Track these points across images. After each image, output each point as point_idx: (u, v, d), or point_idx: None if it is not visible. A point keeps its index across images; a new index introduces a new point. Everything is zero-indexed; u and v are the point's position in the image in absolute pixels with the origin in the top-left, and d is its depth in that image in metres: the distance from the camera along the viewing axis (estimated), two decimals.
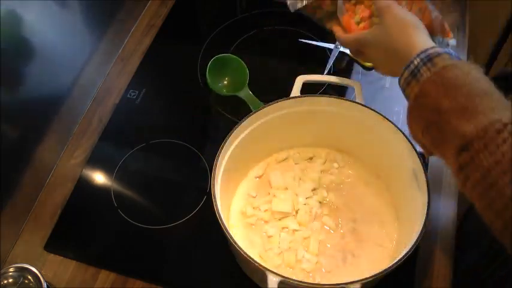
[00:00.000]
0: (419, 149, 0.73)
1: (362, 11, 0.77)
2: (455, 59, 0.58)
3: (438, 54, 0.58)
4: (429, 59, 0.58)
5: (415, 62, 0.59)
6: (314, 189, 0.83)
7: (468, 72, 0.54)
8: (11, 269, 0.70)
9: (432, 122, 0.56)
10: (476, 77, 0.54)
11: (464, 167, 0.51)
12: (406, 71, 0.60)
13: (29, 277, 0.70)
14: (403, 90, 0.62)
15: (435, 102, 0.55)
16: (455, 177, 0.54)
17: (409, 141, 0.74)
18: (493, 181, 0.48)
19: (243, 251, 0.65)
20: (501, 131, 0.48)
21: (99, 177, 0.92)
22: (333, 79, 0.87)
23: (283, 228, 0.80)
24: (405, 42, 0.62)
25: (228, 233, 0.66)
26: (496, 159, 0.48)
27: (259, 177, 0.86)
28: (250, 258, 0.64)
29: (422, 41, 0.61)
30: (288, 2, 0.85)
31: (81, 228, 0.86)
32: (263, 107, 0.78)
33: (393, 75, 0.67)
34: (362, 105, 0.78)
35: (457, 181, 0.54)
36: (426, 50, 0.59)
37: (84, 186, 0.90)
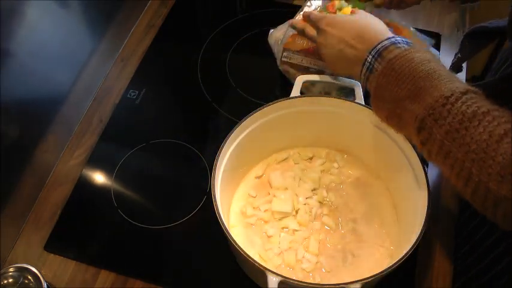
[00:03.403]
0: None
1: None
2: (403, 47, 0.63)
3: (385, 48, 0.64)
4: (379, 54, 0.65)
5: (368, 59, 0.66)
6: (314, 189, 0.83)
7: (411, 59, 0.59)
8: (11, 269, 0.70)
9: (391, 111, 0.62)
10: (419, 60, 0.59)
11: (425, 143, 0.57)
12: (363, 68, 0.67)
13: (29, 277, 0.70)
14: (366, 86, 0.68)
15: (389, 93, 0.61)
16: (422, 152, 0.60)
17: (409, 141, 0.74)
18: (447, 150, 0.54)
19: (243, 251, 0.65)
20: (445, 104, 0.54)
21: (99, 177, 0.92)
22: (333, 79, 0.87)
23: (283, 228, 0.80)
24: (357, 42, 0.70)
25: (228, 233, 0.66)
26: (445, 130, 0.53)
27: (259, 177, 0.86)
28: (250, 258, 0.64)
29: (373, 36, 0.68)
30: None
31: (81, 228, 0.86)
32: (263, 107, 0.78)
33: (347, 73, 0.76)
34: (362, 105, 0.78)
35: (425, 156, 0.60)
36: (375, 46, 0.66)
37: (84, 186, 0.90)
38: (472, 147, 0.51)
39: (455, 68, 0.91)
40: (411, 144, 0.73)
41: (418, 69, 0.58)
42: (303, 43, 0.93)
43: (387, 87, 0.61)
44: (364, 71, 0.67)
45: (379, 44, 0.65)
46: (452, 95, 0.54)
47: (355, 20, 0.73)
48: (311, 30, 0.82)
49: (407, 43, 0.65)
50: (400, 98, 0.59)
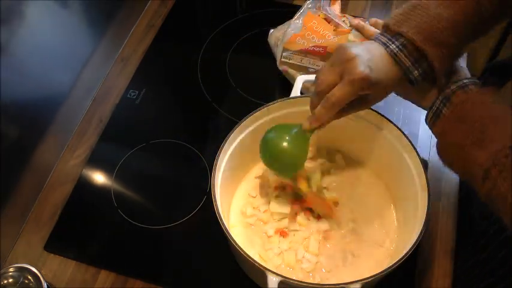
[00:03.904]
0: (419, 149, 0.73)
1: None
2: (470, 91, 0.61)
3: (453, 93, 0.62)
4: (447, 99, 0.62)
5: (437, 104, 0.64)
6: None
7: (481, 103, 0.58)
8: (11, 269, 0.70)
9: (457, 156, 0.60)
10: (489, 105, 0.58)
11: (489, 194, 0.55)
12: (429, 112, 0.65)
13: (29, 277, 0.70)
14: (431, 129, 0.66)
15: (455, 138, 0.59)
16: (486, 202, 0.57)
17: (409, 141, 0.74)
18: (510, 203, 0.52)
19: (243, 251, 0.65)
20: (507, 155, 0.52)
21: (99, 177, 0.92)
22: None
23: (283, 228, 0.80)
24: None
25: (228, 233, 0.66)
26: (510, 183, 0.52)
27: (259, 177, 0.86)
28: (250, 258, 0.64)
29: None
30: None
31: (81, 228, 0.86)
32: (263, 107, 0.78)
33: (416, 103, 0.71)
34: None
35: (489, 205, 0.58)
36: (445, 90, 0.63)
37: (84, 186, 0.90)
38: None
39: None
40: (411, 144, 0.74)
41: (486, 115, 0.57)
42: (303, 43, 0.93)
43: (452, 132, 0.60)
44: (430, 116, 0.65)
45: (448, 88, 0.63)
46: None
47: None
48: (369, 30, 0.81)
49: (475, 83, 0.63)
50: (465, 144, 0.58)
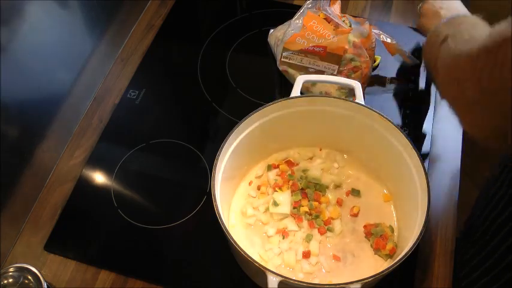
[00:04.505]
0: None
1: None
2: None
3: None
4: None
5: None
6: (314, 189, 0.83)
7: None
8: (11, 269, 0.70)
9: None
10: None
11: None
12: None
13: (29, 277, 0.70)
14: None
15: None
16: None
17: (409, 141, 0.74)
18: None
19: (243, 251, 0.65)
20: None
21: (99, 177, 0.92)
22: (333, 79, 0.87)
23: (283, 228, 0.80)
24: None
25: (228, 233, 0.66)
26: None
27: (259, 177, 0.86)
28: (250, 258, 0.64)
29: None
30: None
31: (81, 228, 0.86)
32: (263, 107, 0.78)
33: None
34: (362, 105, 0.78)
35: None
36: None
37: (84, 186, 0.90)
38: None
39: None
40: (411, 144, 0.74)
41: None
42: (303, 43, 0.93)
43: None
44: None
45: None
46: None
47: None
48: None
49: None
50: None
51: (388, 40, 0.96)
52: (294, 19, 0.97)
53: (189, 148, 0.94)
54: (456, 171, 0.89)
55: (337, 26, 0.93)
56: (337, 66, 0.92)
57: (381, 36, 0.96)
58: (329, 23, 0.94)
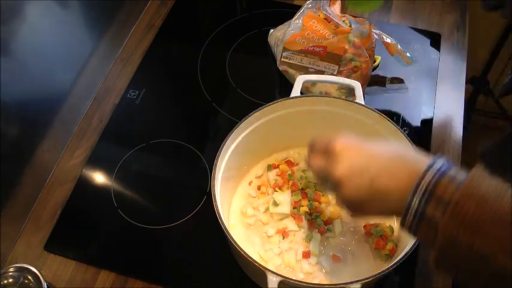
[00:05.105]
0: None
1: None
2: (456, 178, 0.48)
3: (435, 184, 0.48)
4: (430, 194, 0.48)
5: (414, 204, 0.49)
6: (314, 189, 0.83)
7: (482, 196, 0.45)
8: (11, 269, 0.70)
9: (476, 268, 0.47)
10: (494, 195, 0.45)
11: None
12: (408, 215, 0.50)
13: (29, 277, 0.70)
14: (413, 235, 0.52)
15: (467, 245, 0.45)
16: None
17: (410, 141, 0.74)
18: None
19: (243, 251, 0.65)
20: None
21: (99, 177, 0.92)
22: (333, 79, 0.87)
23: (283, 228, 0.80)
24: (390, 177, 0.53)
25: (228, 233, 0.66)
26: None
27: (259, 177, 0.86)
28: (250, 258, 0.64)
29: (409, 165, 0.52)
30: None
31: (81, 228, 0.86)
32: (263, 107, 0.78)
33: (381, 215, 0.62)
34: (362, 105, 0.78)
35: None
36: (419, 183, 0.49)
37: (84, 186, 0.90)
38: None
39: (508, 87, 0.85)
40: (411, 144, 0.73)
41: (498, 208, 0.44)
42: (303, 43, 0.93)
43: (463, 241, 0.45)
44: (410, 219, 0.50)
45: (422, 179, 0.49)
46: None
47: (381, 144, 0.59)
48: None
49: (448, 167, 0.50)
50: (491, 252, 0.44)
51: (388, 40, 0.96)
52: (294, 19, 0.97)
53: (189, 148, 0.94)
54: None
55: (337, 26, 0.93)
56: (337, 66, 0.92)
57: (381, 36, 0.96)
58: (329, 22, 0.94)
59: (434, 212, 0.48)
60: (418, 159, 0.52)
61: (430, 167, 0.49)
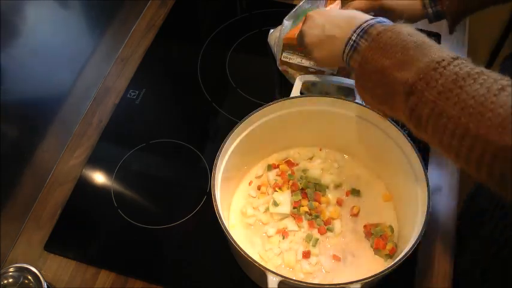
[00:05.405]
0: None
1: None
2: (388, 24, 0.64)
3: (371, 26, 0.64)
4: (364, 31, 0.64)
5: (353, 38, 0.65)
6: (314, 189, 0.83)
7: (399, 32, 0.60)
8: (11, 269, 0.70)
9: (377, 81, 0.61)
10: (407, 33, 0.59)
11: (415, 108, 0.56)
12: (346, 47, 0.67)
13: (29, 277, 0.70)
14: (348, 65, 0.68)
15: (376, 64, 0.60)
16: (409, 124, 0.59)
17: (409, 141, 0.74)
18: (440, 110, 0.52)
19: (243, 251, 0.65)
20: (436, 68, 0.54)
21: (99, 177, 0.92)
22: (333, 79, 0.87)
23: (283, 228, 0.80)
24: (341, 24, 0.70)
25: (228, 233, 0.66)
26: (438, 91, 0.53)
27: (259, 177, 0.86)
28: (250, 258, 0.64)
29: (358, 18, 0.67)
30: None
31: (81, 228, 0.86)
32: (263, 107, 0.78)
33: (332, 64, 0.81)
34: (362, 105, 0.78)
35: (411, 127, 0.59)
36: (360, 25, 0.65)
37: (84, 186, 0.90)
38: (468, 102, 0.50)
39: None
40: (411, 144, 0.74)
41: (407, 40, 0.58)
42: None
43: (373, 59, 0.60)
44: (347, 50, 0.66)
45: (364, 22, 0.65)
46: (443, 60, 0.54)
47: (343, 10, 0.77)
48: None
49: (390, 22, 0.65)
50: (387, 67, 0.59)
51: None
52: (286, 18, 0.97)
53: (189, 148, 0.94)
54: (456, 170, 0.89)
55: None
56: (337, 67, 0.92)
57: None
58: None
59: (364, 42, 0.64)
60: (365, 17, 0.67)
61: (372, 19, 0.65)
